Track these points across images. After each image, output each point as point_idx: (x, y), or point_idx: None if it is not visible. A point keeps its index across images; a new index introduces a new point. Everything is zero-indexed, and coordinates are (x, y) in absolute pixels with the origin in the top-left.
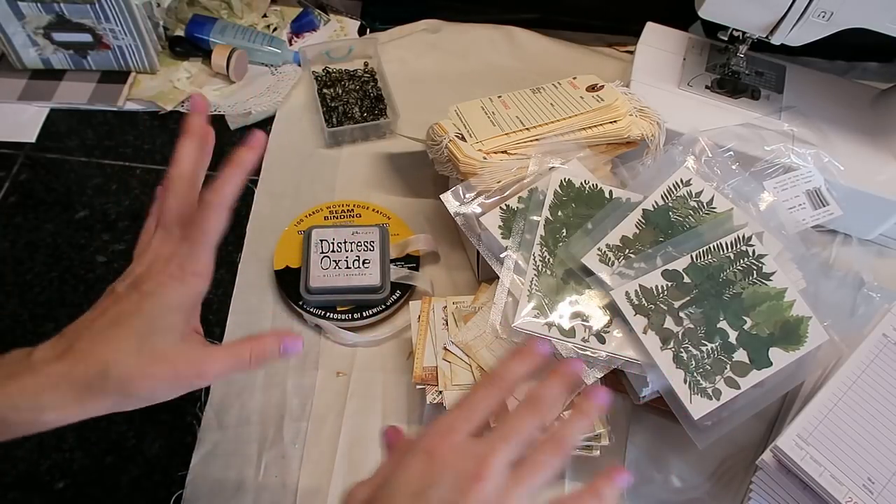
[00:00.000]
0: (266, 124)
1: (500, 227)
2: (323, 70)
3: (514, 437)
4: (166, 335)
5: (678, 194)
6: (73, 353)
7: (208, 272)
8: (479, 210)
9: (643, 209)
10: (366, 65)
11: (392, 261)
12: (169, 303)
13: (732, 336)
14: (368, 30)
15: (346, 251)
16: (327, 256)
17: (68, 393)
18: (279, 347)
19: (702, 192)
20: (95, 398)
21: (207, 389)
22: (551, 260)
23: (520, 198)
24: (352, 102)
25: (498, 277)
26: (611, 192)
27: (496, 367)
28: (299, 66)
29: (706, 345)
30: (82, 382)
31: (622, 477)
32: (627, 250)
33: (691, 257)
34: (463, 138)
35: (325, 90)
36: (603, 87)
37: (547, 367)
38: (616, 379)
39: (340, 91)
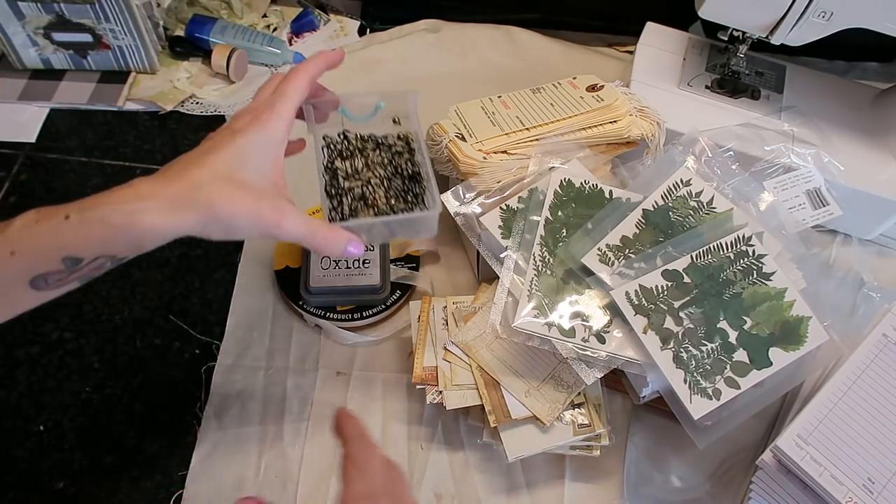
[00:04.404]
0: None
1: (500, 227)
2: (340, 135)
3: None
4: (254, 173)
5: (678, 194)
6: (168, 174)
7: (282, 119)
8: (479, 210)
9: (643, 209)
10: (395, 121)
11: (392, 261)
12: (255, 140)
13: (732, 336)
14: (368, 30)
15: None
16: (327, 256)
17: (162, 203)
18: (343, 248)
19: (702, 192)
20: (185, 212)
21: (208, 389)
22: (551, 260)
23: (520, 198)
24: (376, 183)
25: (498, 277)
26: (611, 192)
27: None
28: None
29: (706, 345)
30: (175, 196)
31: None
32: (627, 250)
33: (691, 257)
34: (463, 138)
35: (338, 163)
36: (603, 87)
37: None
38: (616, 379)
39: (361, 165)
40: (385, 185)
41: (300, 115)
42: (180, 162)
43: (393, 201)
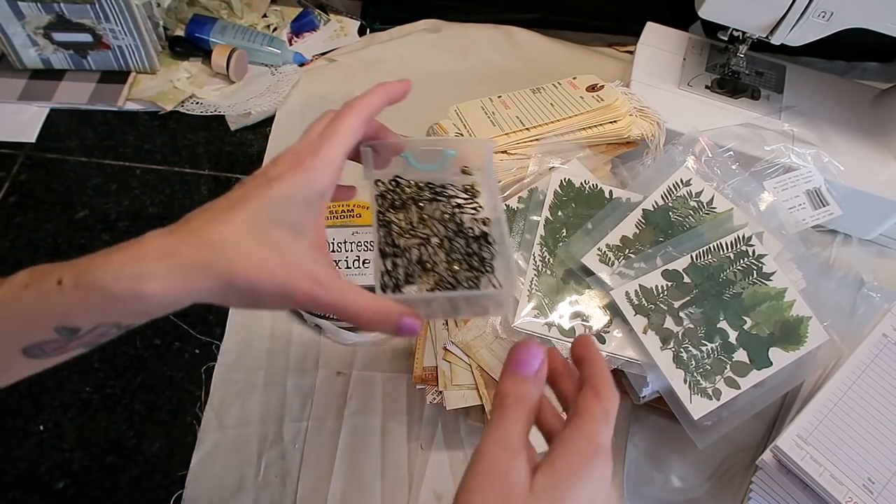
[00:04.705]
0: (266, 124)
1: None
2: (392, 181)
3: None
4: (288, 231)
5: (678, 194)
6: (185, 229)
7: (327, 166)
8: None
9: (643, 209)
10: (465, 172)
11: None
12: (291, 192)
13: (732, 336)
14: (368, 30)
15: (346, 251)
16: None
17: (172, 267)
18: (395, 326)
19: (702, 192)
20: (199, 279)
21: (207, 389)
22: (551, 260)
23: (520, 198)
24: (436, 243)
25: None
26: (611, 192)
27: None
28: (300, 66)
29: (706, 345)
30: (188, 259)
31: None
32: (627, 250)
33: (691, 257)
34: None
35: (391, 214)
36: (603, 87)
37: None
38: (616, 379)
39: (416, 219)
40: (446, 245)
41: (356, 157)
42: (204, 213)
43: (456, 266)
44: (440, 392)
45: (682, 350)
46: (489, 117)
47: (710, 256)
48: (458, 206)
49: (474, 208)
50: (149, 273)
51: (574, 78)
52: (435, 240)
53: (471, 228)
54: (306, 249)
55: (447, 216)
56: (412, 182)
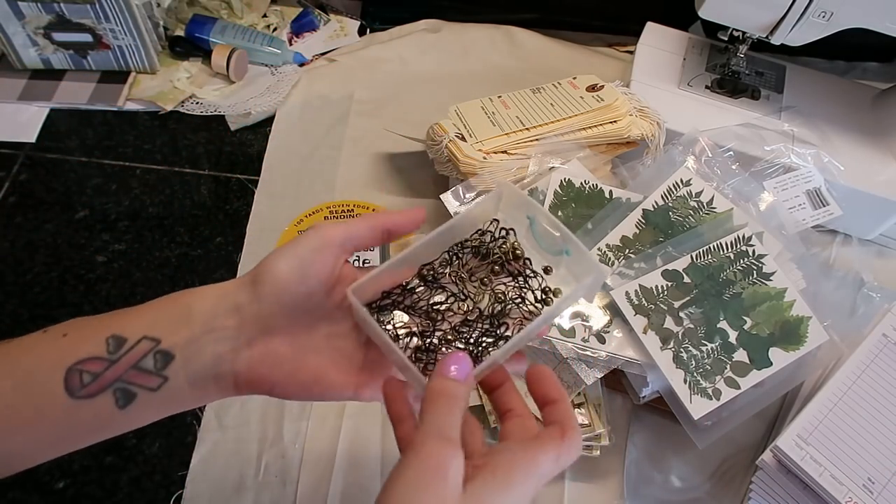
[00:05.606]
0: (266, 124)
1: None
2: (503, 231)
3: None
4: (307, 244)
5: (678, 194)
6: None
7: (343, 228)
8: None
9: (643, 209)
10: (546, 271)
11: None
12: (322, 230)
13: (732, 336)
14: (368, 30)
15: None
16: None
17: (214, 284)
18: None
19: (702, 192)
20: (235, 279)
21: None
22: None
23: None
24: (467, 307)
25: None
26: (611, 192)
27: None
28: (300, 66)
29: (706, 345)
30: (229, 280)
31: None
32: (627, 250)
33: (691, 257)
34: (463, 138)
35: (473, 262)
36: (603, 87)
37: None
38: (616, 379)
39: (483, 275)
40: (471, 315)
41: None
42: None
43: (451, 337)
44: None
45: (682, 350)
46: (489, 117)
47: (710, 256)
48: (521, 299)
49: (531, 312)
50: (194, 290)
51: (574, 78)
52: (469, 303)
53: (504, 324)
54: (324, 250)
55: (501, 296)
56: (517, 244)
